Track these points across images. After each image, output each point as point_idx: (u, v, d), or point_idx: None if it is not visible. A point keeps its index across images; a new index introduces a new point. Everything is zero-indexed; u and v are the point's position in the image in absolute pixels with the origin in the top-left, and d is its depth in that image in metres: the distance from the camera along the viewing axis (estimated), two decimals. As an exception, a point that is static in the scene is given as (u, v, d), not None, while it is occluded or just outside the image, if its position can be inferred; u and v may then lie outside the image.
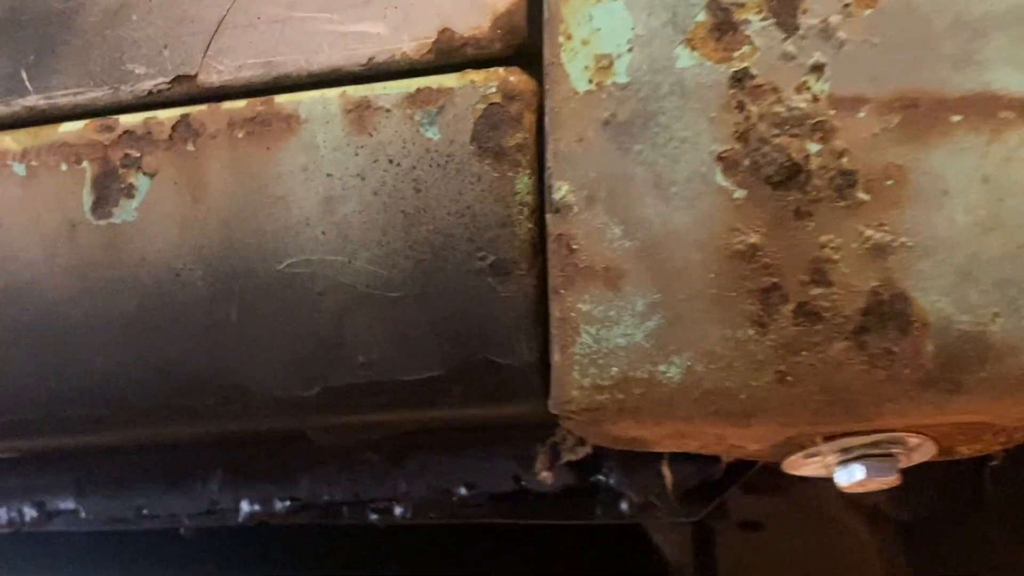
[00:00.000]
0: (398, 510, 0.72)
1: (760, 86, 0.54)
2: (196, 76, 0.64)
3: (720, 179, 0.56)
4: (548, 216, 0.58)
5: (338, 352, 0.63)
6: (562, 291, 0.58)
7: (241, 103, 0.63)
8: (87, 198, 0.65)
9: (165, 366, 0.65)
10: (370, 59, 0.61)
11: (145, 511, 0.76)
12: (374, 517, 0.72)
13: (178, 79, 0.64)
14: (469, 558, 1.17)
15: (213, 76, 0.63)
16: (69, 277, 0.65)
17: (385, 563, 1.12)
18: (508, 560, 1.20)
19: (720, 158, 0.55)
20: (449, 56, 0.60)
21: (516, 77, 0.59)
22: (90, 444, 0.74)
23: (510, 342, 0.61)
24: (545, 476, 0.66)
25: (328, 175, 0.62)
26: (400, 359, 0.62)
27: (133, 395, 0.66)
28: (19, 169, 0.66)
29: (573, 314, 0.58)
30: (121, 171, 0.64)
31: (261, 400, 0.64)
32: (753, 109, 0.54)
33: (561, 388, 0.59)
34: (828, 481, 0.62)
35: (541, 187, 0.59)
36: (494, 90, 0.59)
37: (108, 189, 0.65)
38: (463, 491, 0.70)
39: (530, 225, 0.60)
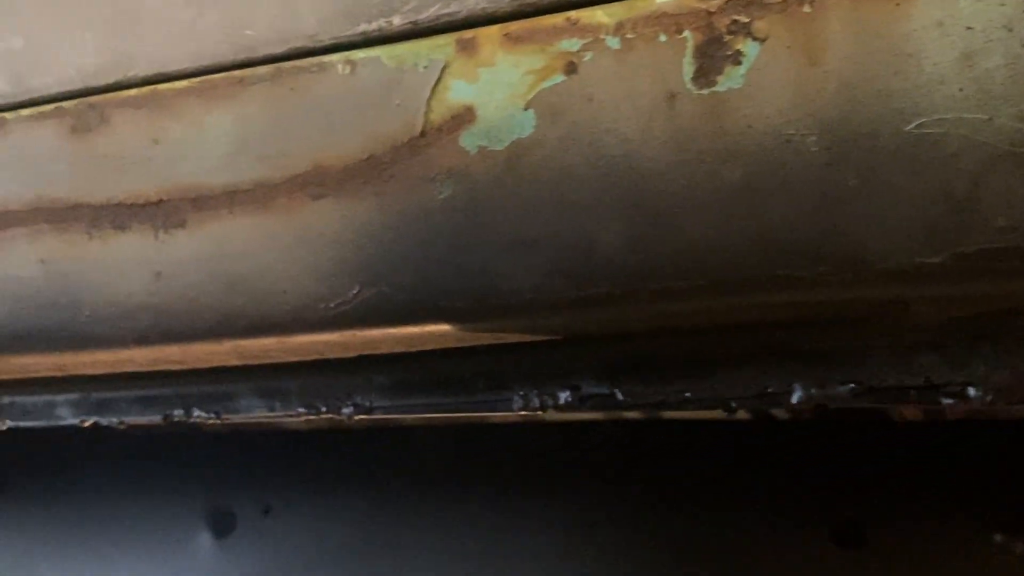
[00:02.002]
0: (973, 392, 0.69)
1: None
2: (811, -64, 0.62)
3: None
4: None
5: (973, 215, 0.60)
6: None
7: (866, -41, 0.61)
8: (687, 68, 0.65)
9: (769, 235, 0.64)
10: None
11: (687, 394, 0.76)
12: (947, 401, 0.70)
13: (791, -60, 0.63)
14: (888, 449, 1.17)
15: (831, -66, 0.62)
16: (665, 148, 0.66)
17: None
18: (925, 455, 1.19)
19: None
20: None
21: None
22: (633, 328, 0.75)
23: None
24: None
25: (968, 28, 0.59)
26: (1048, 220, 0.59)
27: (730, 265, 0.66)
28: (613, 43, 0.67)
29: None
30: (727, 38, 0.64)
31: (877, 268, 0.63)
32: None
33: None
34: None
35: None
36: None
37: (712, 57, 0.64)
38: (1057, 375, 0.67)
39: None
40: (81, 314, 0.83)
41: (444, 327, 0.75)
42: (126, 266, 0.81)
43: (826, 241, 0.63)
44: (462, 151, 0.71)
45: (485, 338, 0.76)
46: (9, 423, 0.98)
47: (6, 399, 0.99)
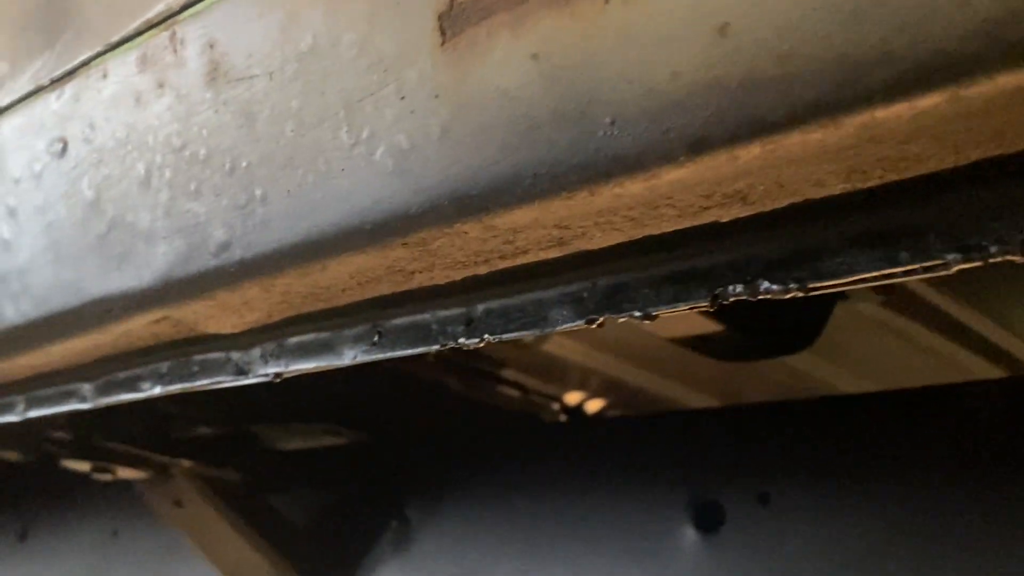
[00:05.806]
0: None
1: None
2: None
3: None
4: None
5: None
6: None
7: None
8: None
9: None
10: None
11: None
12: None
13: None
14: None
15: None
16: None
17: None
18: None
19: None
20: None
21: None
22: None
23: None
24: None
25: None
26: None
27: None
28: None
29: None
30: None
31: None
32: None
33: None
34: None
35: None
36: None
37: None
38: None
39: None
40: (599, 124, 0.54)
41: None
42: (667, 29, 0.51)
43: None
44: None
45: None
46: (488, 337, 0.71)
47: (480, 306, 0.73)
